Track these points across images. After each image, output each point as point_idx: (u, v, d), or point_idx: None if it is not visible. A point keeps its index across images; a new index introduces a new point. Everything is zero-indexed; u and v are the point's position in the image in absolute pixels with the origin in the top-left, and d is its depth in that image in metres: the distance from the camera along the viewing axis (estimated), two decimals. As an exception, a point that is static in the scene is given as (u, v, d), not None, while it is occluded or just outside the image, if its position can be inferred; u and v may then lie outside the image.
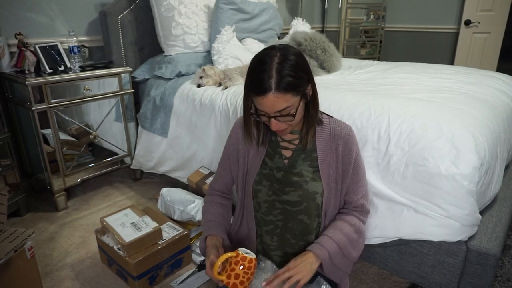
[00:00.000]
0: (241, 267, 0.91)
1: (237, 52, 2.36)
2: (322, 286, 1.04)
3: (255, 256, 0.95)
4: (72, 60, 2.16)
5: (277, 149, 1.10)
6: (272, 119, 0.95)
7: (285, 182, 1.07)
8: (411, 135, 1.30)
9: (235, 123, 1.18)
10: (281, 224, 1.10)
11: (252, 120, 1.05)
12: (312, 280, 1.06)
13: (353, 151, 1.09)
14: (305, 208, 1.07)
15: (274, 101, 0.91)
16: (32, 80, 1.85)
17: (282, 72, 0.90)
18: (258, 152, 1.11)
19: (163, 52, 2.50)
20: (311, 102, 1.02)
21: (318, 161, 1.07)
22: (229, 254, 0.93)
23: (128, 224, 1.57)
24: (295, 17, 3.02)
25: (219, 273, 0.94)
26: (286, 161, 1.09)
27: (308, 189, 1.05)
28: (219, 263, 0.92)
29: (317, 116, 1.06)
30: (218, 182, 1.22)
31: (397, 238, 1.36)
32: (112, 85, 2.21)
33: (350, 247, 1.08)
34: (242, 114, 1.08)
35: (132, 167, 2.45)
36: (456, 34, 3.53)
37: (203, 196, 1.88)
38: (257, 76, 0.92)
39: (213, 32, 2.44)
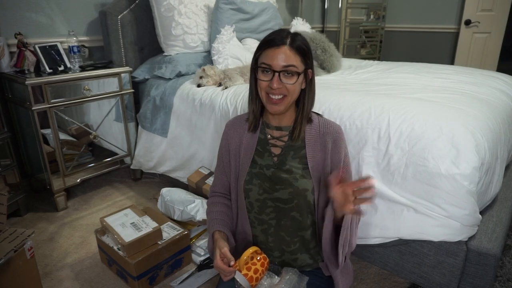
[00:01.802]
0: (261, 265, 0.98)
1: (237, 52, 2.36)
2: (290, 273, 1.05)
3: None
4: (72, 60, 2.16)
5: (267, 147, 1.11)
6: (276, 76, 0.99)
7: (275, 180, 1.08)
8: (411, 135, 1.30)
9: (226, 126, 1.20)
10: (274, 222, 1.10)
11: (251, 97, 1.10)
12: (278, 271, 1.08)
13: (342, 150, 1.11)
14: (297, 205, 1.07)
15: (285, 54, 0.98)
16: (32, 80, 1.85)
17: (295, 37, 1.01)
18: (248, 151, 1.12)
19: (163, 52, 2.50)
20: (308, 90, 1.07)
21: (307, 158, 1.08)
22: (254, 249, 0.99)
23: (128, 224, 1.57)
24: (295, 17, 3.02)
25: (233, 265, 0.97)
26: (275, 158, 1.10)
27: (298, 186, 1.05)
28: (245, 257, 0.97)
29: (312, 108, 1.09)
30: (217, 186, 1.23)
31: (397, 238, 1.36)
32: (112, 85, 2.21)
33: (354, 229, 1.06)
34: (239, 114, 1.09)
35: (132, 167, 2.45)
36: (456, 34, 3.53)
37: (203, 196, 1.88)
38: (273, 35, 1.02)
39: (213, 32, 2.44)
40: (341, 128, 1.13)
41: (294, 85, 1.00)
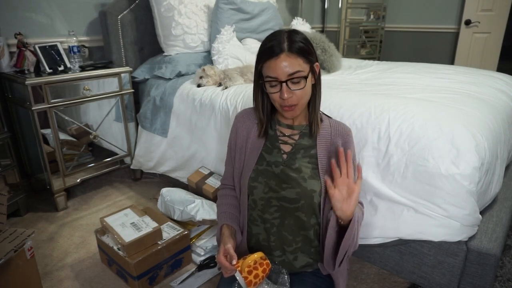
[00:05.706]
0: (263, 271, 0.97)
1: (237, 52, 2.36)
2: (281, 275, 1.05)
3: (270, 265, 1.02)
4: (72, 60, 2.16)
5: (276, 144, 1.10)
6: (284, 86, 0.96)
7: (283, 178, 1.06)
8: (411, 135, 1.30)
9: (235, 118, 1.18)
10: (278, 222, 1.09)
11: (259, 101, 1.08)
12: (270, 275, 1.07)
13: (351, 151, 1.10)
14: (302, 206, 1.06)
15: (287, 61, 0.95)
16: (31, 80, 1.85)
17: (293, 38, 0.97)
18: (255, 146, 1.10)
19: (163, 52, 2.50)
20: (318, 83, 1.06)
21: (318, 157, 1.06)
22: (260, 255, 0.99)
23: (128, 224, 1.57)
24: (295, 17, 3.02)
25: (234, 264, 0.97)
26: (285, 155, 1.08)
27: (307, 187, 1.04)
28: (249, 261, 0.96)
29: (320, 102, 1.08)
30: (226, 178, 1.23)
31: (397, 238, 1.36)
32: (112, 85, 2.21)
33: (357, 230, 1.04)
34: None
35: (132, 167, 2.45)
36: (456, 34, 3.53)
37: (203, 196, 1.88)
38: (269, 43, 0.97)
39: (213, 32, 2.44)
40: (351, 131, 1.13)
41: (304, 89, 0.98)
